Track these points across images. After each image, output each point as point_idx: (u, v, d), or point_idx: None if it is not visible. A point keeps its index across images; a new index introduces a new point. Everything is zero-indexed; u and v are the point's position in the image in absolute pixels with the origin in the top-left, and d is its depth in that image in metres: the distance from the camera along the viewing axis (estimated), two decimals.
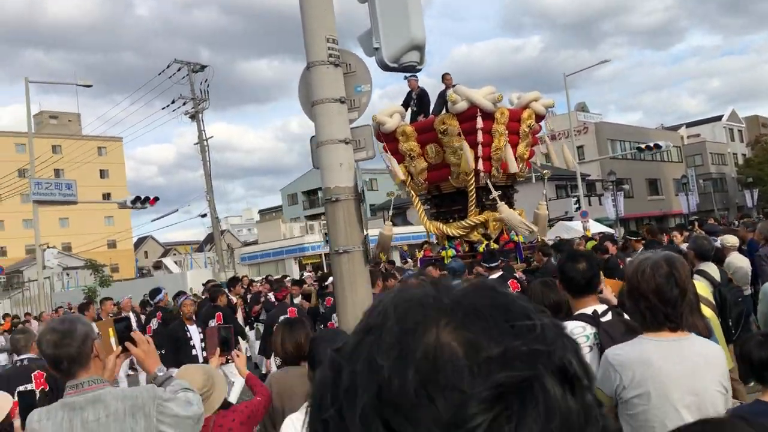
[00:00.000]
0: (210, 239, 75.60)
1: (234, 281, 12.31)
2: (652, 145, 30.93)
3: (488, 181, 11.62)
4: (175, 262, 53.19)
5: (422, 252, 11.30)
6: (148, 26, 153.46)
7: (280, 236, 44.48)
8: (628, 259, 6.59)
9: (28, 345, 5.15)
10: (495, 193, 11.49)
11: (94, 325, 2.64)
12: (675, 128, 65.99)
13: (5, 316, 17.84)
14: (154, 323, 9.85)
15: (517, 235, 11.84)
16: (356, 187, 3.83)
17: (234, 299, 10.56)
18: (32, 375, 5.06)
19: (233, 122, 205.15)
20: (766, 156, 56.78)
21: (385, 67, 4.43)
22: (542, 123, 12.94)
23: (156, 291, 10.58)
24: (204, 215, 37.65)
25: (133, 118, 59.49)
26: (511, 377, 0.46)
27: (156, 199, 25.99)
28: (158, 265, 58.37)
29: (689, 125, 68.55)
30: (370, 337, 0.53)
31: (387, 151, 11.92)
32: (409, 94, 12.80)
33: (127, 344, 2.57)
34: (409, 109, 12.78)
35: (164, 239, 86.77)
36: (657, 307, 2.21)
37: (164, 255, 72.12)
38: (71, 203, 24.51)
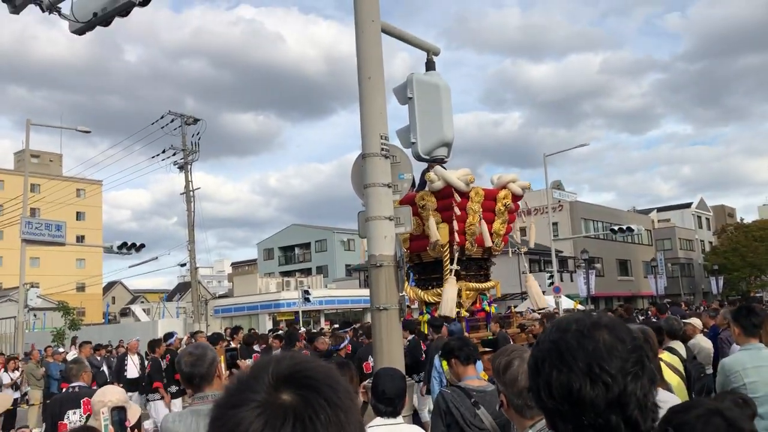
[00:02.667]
0: (180, 289, 75.20)
1: (237, 330, 13.23)
2: (624, 227, 32.39)
3: (455, 254, 12.29)
4: (144, 310, 52.77)
5: (404, 315, 12.02)
6: (135, 71, 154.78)
7: (255, 290, 44.45)
8: None
9: (79, 374, 5.77)
10: (450, 267, 12.13)
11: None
12: (646, 212, 68.23)
13: None
14: (164, 364, 10.85)
15: (489, 305, 12.71)
16: (396, 256, 4.65)
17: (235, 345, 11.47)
18: (81, 401, 5.69)
19: (211, 172, 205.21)
20: (731, 245, 58.76)
21: (418, 158, 5.36)
22: (519, 202, 13.85)
23: (169, 335, 11.65)
24: (183, 264, 37.99)
25: (113, 162, 59.67)
26: (640, 355, 1.21)
27: (142, 245, 26.48)
28: (125, 312, 57.80)
29: (660, 210, 70.92)
30: (559, 334, 1.24)
31: None
32: None
33: (234, 371, 3.33)
34: None
35: (132, 286, 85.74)
36: None
37: (132, 302, 71.40)
38: (59, 244, 24.87)
